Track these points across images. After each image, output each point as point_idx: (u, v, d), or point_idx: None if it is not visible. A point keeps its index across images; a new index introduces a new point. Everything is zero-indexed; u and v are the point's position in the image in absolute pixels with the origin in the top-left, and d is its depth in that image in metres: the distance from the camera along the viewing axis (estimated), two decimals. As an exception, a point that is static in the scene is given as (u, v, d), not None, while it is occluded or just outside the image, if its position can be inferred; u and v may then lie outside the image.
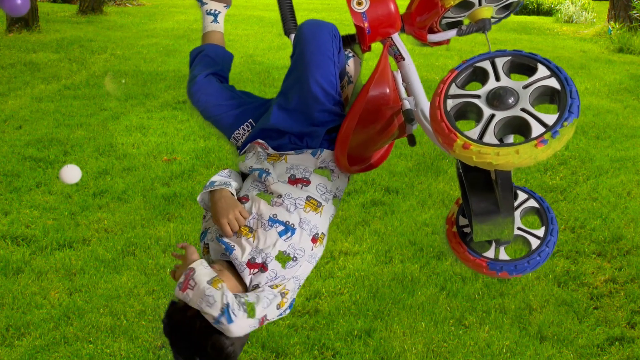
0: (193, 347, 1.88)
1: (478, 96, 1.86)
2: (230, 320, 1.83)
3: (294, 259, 2.02)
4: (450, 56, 9.40)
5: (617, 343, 3.39)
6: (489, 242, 2.37)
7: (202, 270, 1.90)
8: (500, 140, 1.79)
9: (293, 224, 2.04)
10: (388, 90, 2.11)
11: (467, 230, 2.41)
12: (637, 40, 10.85)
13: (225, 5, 2.53)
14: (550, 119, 1.75)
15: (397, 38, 2.26)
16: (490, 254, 2.36)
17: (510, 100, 1.81)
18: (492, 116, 1.81)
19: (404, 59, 2.25)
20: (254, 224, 2.04)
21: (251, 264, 1.98)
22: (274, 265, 1.99)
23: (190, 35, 10.71)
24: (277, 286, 2.01)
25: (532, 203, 2.42)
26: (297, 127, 2.16)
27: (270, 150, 2.19)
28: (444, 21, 2.36)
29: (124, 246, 4.17)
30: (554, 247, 2.36)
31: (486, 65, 1.91)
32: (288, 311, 2.05)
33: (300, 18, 2.47)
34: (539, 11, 16.44)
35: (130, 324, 3.44)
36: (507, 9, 2.34)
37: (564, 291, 3.81)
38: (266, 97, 2.42)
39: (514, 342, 3.38)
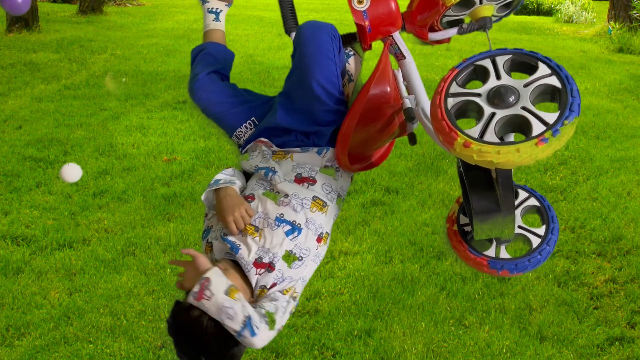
0: (198, 347, 1.87)
1: (479, 94, 1.86)
2: (253, 334, 1.84)
3: (300, 258, 2.02)
4: (450, 56, 9.40)
5: (617, 343, 3.39)
6: (490, 241, 2.37)
7: (217, 280, 1.87)
8: (501, 138, 1.78)
9: (300, 224, 2.04)
10: (389, 89, 2.11)
11: (467, 228, 2.41)
12: (637, 40, 10.86)
13: (227, 3, 2.53)
14: (551, 117, 1.75)
15: (398, 36, 2.26)
16: (491, 252, 2.36)
17: (511, 99, 1.81)
18: (493, 114, 1.81)
19: (404, 58, 2.25)
20: (259, 223, 2.03)
21: (258, 263, 1.97)
22: (280, 265, 1.99)
23: (190, 35, 10.71)
24: (287, 291, 2.00)
25: (533, 201, 2.42)
26: (303, 127, 2.16)
27: (275, 148, 2.19)
28: (445, 20, 2.36)
29: (124, 246, 4.17)
30: (554, 246, 2.35)
31: (487, 63, 1.91)
32: None
33: (300, 18, 2.47)
34: (539, 11, 16.44)
35: (130, 324, 3.44)
36: (507, 7, 2.34)
37: (564, 291, 3.80)
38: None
39: (514, 342, 3.38)
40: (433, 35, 2.37)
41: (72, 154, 5.60)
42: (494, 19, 2.33)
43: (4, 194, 4.83)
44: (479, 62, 1.92)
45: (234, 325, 1.83)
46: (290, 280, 2.01)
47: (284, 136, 2.18)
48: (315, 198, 2.08)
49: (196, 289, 1.85)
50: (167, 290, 3.71)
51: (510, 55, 1.91)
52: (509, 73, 1.90)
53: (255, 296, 1.99)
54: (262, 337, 1.87)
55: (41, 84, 7.66)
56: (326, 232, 2.11)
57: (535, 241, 2.35)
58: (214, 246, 2.09)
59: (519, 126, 1.80)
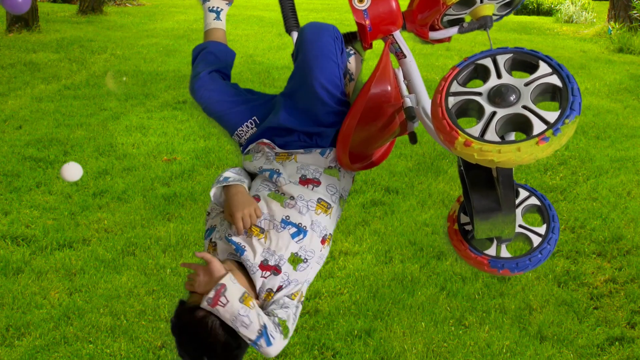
0: (202, 347, 1.87)
1: (479, 93, 1.86)
2: (269, 343, 1.85)
3: (305, 260, 2.03)
4: (450, 56, 9.40)
5: (617, 343, 3.39)
6: (490, 240, 2.37)
7: (233, 287, 1.87)
8: (502, 137, 1.78)
9: (305, 226, 2.04)
10: (389, 88, 2.11)
11: (468, 227, 2.41)
12: (637, 40, 10.85)
13: (227, 2, 2.53)
14: (551, 116, 1.75)
15: (399, 35, 2.26)
16: (491, 251, 2.36)
17: (511, 98, 1.81)
18: (494, 113, 1.81)
19: (405, 57, 2.25)
20: (265, 225, 2.03)
21: (264, 266, 1.97)
22: (286, 267, 1.99)
23: (190, 35, 10.71)
24: (295, 295, 2.01)
25: (534, 201, 2.42)
26: (305, 127, 2.16)
27: (278, 150, 2.18)
28: (446, 19, 2.36)
29: (124, 246, 4.17)
30: (555, 245, 2.35)
31: (488, 62, 1.91)
32: None
33: (300, 18, 2.47)
34: (539, 11, 16.43)
35: (130, 324, 3.44)
36: (508, 6, 2.34)
37: (564, 291, 3.80)
38: (268, 96, 2.41)
39: (514, 342, 3.37)
40: (434, 34, 2.36)
41: (72, 154, 5.60)
42: (494, 17, 2.33)
43: (4, 194, 4.82)
44: (479, 61, 1.92)
45: (249, 334, 1.84)
46: (297, 283, 2.02)
47: (287, 136, 2.18)
48: (320, 200, 2.09)
49: (211, 295, 1.84)
50: (167, 290, 3.71)
51: (511, 54, 1.91)
52: (509, 72, 1.89)
53: (261, 299, 1.99)
54: (278, 346, 1.88)
55: (41, 84, 7.66)
56: (330, 234, 2.12)
57: (536, 240, 2.35)
58: (217, 246, 2.09)
59: (520, 125, 1.80)
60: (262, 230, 2.02)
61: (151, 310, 3.54)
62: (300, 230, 2.03)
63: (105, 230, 4.37)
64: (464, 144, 1.76)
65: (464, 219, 2.43)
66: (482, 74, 1.92)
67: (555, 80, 1.82)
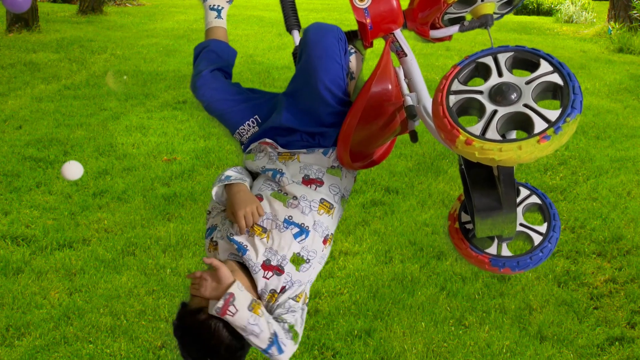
0: (205, 349, 1.87)
1: (480, 92, 1.85)
2: (281, 351, 1.85)
3: (307, 260, 2.03)
4: (450, 56, 9.40)
5: (617, 343, 3.38)
6: (491, 239, 2.36)
7: (241, 295, 1.86)
8: (503, 136, 1.78)
9: (307, 227, 2.04)
10: (390, 87, 2.10)
11: (469, 226, 2.40)
12: (637, 40, 10.85)
13: (228, 0, 2.52)
14: (553, 114, 1.74)
15: (399, 34, 2.25)
16: (492, 250, 2.35)
17: (512, 96, 1.80)
18: (495, 112, 1.80)
19: (406, 55, 2.25)
20: (267, 224, 2.03)
21: (267, 266, 1.97)
22: (289, 268, 1.99)
23: (190, 35, 10.70)
24: (299, 297, 2.00)
25: (535, 199, 2.42)
26: (308, 127, 2.16)
27: (280, 149, 2.17)
28: (446, 17, 2.36)
29: (124, 246, 4.16)
30: (556, 244, 2.35)
31: (489, 61, 1.90)
32: None
33: (300, 18, 2.47)
34: (539, 11, 16.43)
35: (130, 324, 3.43)
36: (508, 4, 2.34)
37: (564, 291, 3.80)
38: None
39: (514, 342, 3.37)
40: (434, 33, 2.36)
41: (72, 154, 5.59)
42: (495, 16, 2.33)
43: (4, 194, 4.82)
44: (480, 60, 1.92)
45: (260, 343, 1.84)
46: (300, 284, 2.01)
47: (289, 136, 2.17)
48: (322, 200, 2.09)
49: (220, 304, 1.83)
50: (167, 290, 3.71)
51: (512, 53, 1.90)
52: (510, 70, 1.89)
53: (264, 300, 1.98)
54: (289, 353, 1.88)
55: (41, 84, 7.66)
56: (331, 234, 2.11)
57: (537, 239, 2.35)
58: (219, 245, 2.08)
59: (521, 123, 1.79)
60: (265, 230, 2.02)
61: (151, 310, 3.53)
62: (303, 231, 2.03)
63: (105, 230, 4.37)
64: (465, 143, 1.75)
65: (465, 217, 2.43)
66: (483, 72, 1.92)
67: (556, 78, 1.81)
